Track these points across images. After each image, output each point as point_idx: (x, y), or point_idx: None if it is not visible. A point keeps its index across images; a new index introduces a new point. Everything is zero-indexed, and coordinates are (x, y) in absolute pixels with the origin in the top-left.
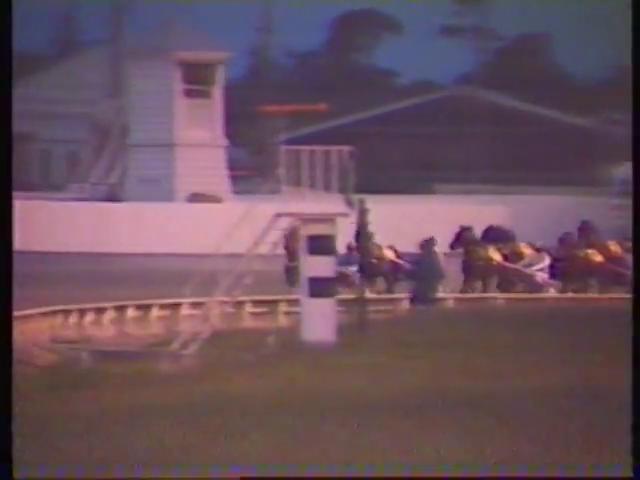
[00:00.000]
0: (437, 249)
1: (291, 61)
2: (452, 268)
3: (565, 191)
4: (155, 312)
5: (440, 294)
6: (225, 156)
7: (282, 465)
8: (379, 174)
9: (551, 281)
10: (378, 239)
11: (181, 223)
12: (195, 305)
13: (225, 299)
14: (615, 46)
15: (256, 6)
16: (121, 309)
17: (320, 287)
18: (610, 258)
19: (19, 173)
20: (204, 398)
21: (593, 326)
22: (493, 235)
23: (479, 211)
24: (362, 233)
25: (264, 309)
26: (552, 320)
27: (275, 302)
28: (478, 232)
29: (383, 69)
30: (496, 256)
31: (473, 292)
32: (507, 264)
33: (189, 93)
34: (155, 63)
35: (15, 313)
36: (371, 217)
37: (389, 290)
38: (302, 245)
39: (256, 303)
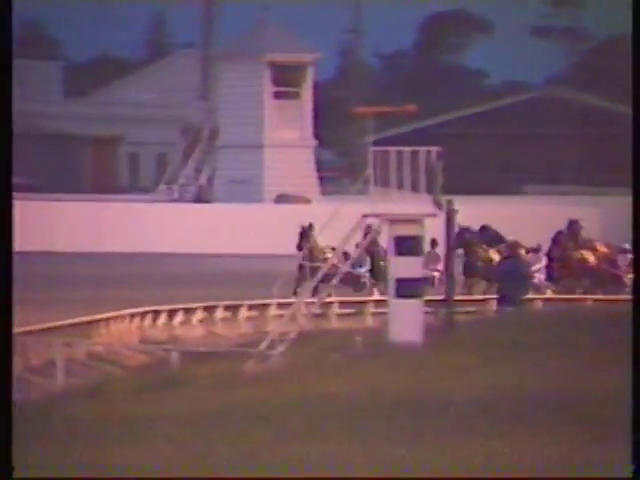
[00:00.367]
0: (523, 251)
1: (380, 62)
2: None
3: None
4: (243, 313)
5: (528, 296)
6: (314, 157)
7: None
8: (468, 175)
9: (547, 282)
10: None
11: (270, 224)
12: (283, 306)
13: (312, 300)
14: None
15: (345, 7)
16: (210, 310)
17: (407, 288)
18: (602, 259)
19: (108, 176)
20: (291, 399)
21: None
22: (486, 235)
23: (567, 212)
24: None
25: (351, 310)
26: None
27: (362, 303)
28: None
29: (473, 70)
30: (496, 257)
31: (472, 294)
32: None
33: (278, 94)
34: (245, 65)
35: (105, 315)
36: (459, 218)
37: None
38: (389, 246)
39: (343, 304)
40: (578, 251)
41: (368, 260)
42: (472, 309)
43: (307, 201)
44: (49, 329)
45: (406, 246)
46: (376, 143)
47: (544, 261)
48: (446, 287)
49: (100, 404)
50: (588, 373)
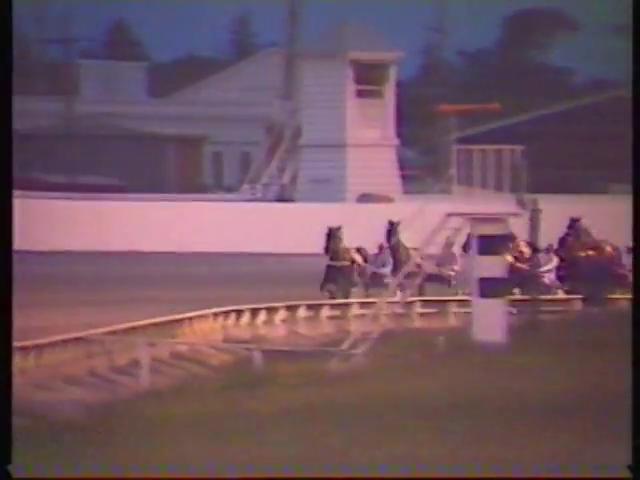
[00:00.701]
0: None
1: (463, 60)
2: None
3: None
4: (325, 312)
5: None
6: (396, 156)
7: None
8: (552, 174)
9: (558, 283)
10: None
11: (352, 224)
12: (365, 305)
13: (395, 299)
14: None
15: (428, 5)
16: (292, 309)
17: (491, 287)
18: (608, 258)
19: (192, 175)
20: (374, 398)
21: None
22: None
23: None
24: (534, 233)
25: (434, 309)
26: None
27: (445, 302)
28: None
29: (557, 67)
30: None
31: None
32: (519, 265)
33: (361, 93)
34: (328, 64)
35: (188, 314)
36: (543, 217)
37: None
38: (472, 245)
39: (425, 303)
40: (584, 251)
41: (391, 260)
42: (557, 308)
43: (389, 200)
44: (133, 329)
45: (489, 245)
46: (459, 141)
47: (555, 261)
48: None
49: (184, 403)
50: None
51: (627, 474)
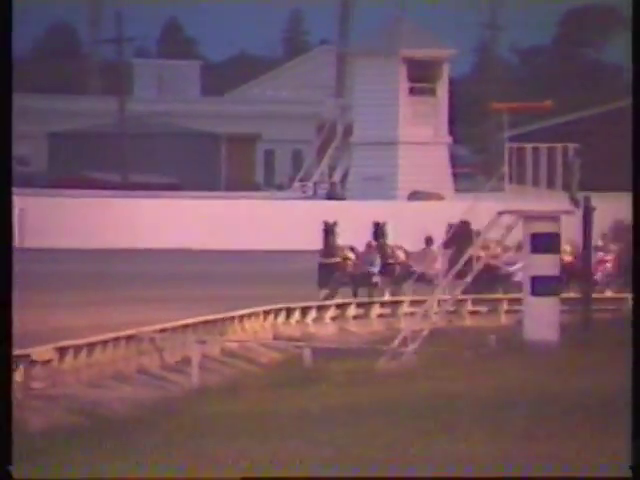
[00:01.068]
0: None
1: (516, 57)
2: None
3: None
4: (376, 310)
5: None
6: (448, 154)
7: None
8: (605, 172)
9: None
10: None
11: (404, 221)
12: (415, 303)
13: (445, 297)
14: None
15: (482, 3)
16: (342, 307)
17: (543, 286)
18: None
19: (244, 173)
20: (424, 396)
21: None
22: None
23: None
24: (587, 232)
25: (485, 308)
26: None
27: (496, 301)
28: None
29: (612, 65)
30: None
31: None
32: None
33: (413, 91)
34: (380, 61)
35: (239, 312)
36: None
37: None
38: (525, 243)
39: (477, 301)
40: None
41: (378, 259)
42: (611, 307)
43: (441, 198)
44: (183, 326)
45: (542, 243)
46: (512, 139)
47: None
48: (583, 285)
49: (234, 401)
50: None
51: None
